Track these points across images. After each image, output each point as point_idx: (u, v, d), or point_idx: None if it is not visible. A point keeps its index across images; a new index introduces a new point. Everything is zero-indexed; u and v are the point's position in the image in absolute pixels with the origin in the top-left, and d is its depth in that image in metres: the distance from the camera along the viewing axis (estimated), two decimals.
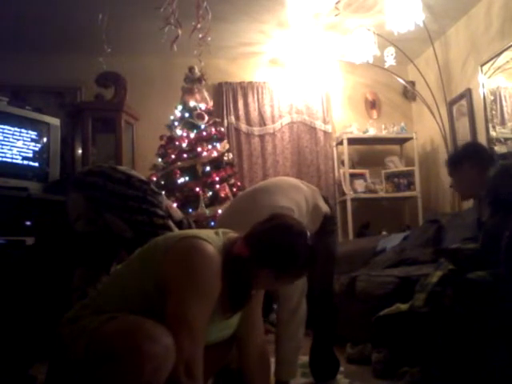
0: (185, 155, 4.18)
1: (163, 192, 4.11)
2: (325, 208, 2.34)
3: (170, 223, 2.14)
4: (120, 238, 2.02)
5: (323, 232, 2.26)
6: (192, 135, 4.26)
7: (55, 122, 4.08)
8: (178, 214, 2.27)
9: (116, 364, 1.28)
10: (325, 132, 5.22)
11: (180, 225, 2.20)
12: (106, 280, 1.60)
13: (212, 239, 1.50)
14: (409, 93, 5.36)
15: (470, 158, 2.38)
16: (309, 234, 1.60)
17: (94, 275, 2.07)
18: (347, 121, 5.25)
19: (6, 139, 3.75)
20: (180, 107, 4.40)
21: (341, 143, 5.04)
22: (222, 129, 4.60)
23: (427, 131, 5.10)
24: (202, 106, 4.39)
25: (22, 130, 3.85)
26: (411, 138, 5.06)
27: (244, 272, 1.50)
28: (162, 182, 4.18)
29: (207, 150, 4.21)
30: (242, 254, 1.50)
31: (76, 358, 1.39)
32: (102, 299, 1.51)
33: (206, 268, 1.42)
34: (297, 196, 2.17)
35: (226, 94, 5.09)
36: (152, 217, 2.06)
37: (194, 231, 1.57)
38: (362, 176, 5.06)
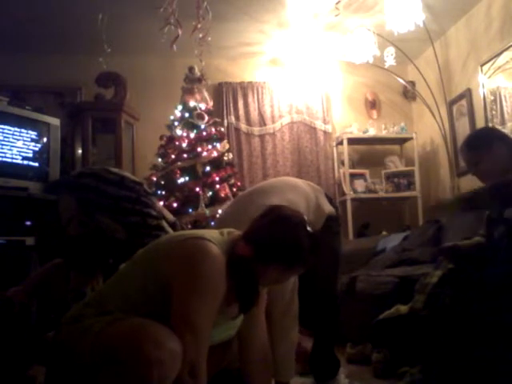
0: (185, 155, 4.18)
1: (163, 192, 4.14)
2: (328, 209, 2.32)
3: (164, 224, 2.14)
4: (113, 240, 2.01)
5: (327, 233, 2.25)
6: (192, 135, 4.26)
7: (55, 122, 4.08)
8: (170, 216, 2.27)
9: (121, 368, 1.28)
10: (325, 132, 5.22)
11: (173, 226, 2.20)
12: (110, 279, 1.60)
13: (216, 240, 1.49)
14: (409, 93, 5.35)
15: (499, 139, 2.21)
16: (307, 218, 1.59)
17: (89, 276, 2.06)
18: (347, 121, 5.25)
19: (5, 139, 3.75)
20: (180, 107, 4.40)
21: (341, 143, 5.04)
22: (222, 129, 4.60)
23: (427, 131, 5.10)
24: (202, 106, 4.39)
25: (22, 130, 3.85)
26: (411, 138, 5.06)
27: (249, 272, 1.49)
28: (162, 182, 4.18)
29: (207, 150, 4.20)
30: (244, 254, 1.49)
31: (78, 358, 1.39)
32: (106, 299, 1.51)
33: (210, 269, 1.41)
34: (294, 196, 2.16)
35: (226, 94, 5.09)
36: (146, 218, 2.06)
37: (199, 231, 1.56)
38: (362, 176, 5.06)
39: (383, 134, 5.10)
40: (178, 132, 4.30)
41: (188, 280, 1.40)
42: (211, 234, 1.53)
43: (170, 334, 1.32)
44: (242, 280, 1.49)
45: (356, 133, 5.05)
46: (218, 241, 1.50)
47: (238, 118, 5.08)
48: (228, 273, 1.46)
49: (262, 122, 5.13)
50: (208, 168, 4.16)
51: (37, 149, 3.93)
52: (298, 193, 2.22)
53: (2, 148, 3.72)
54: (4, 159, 3.73)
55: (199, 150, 4.17)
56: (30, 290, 2.14)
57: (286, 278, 1.62)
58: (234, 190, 4.18)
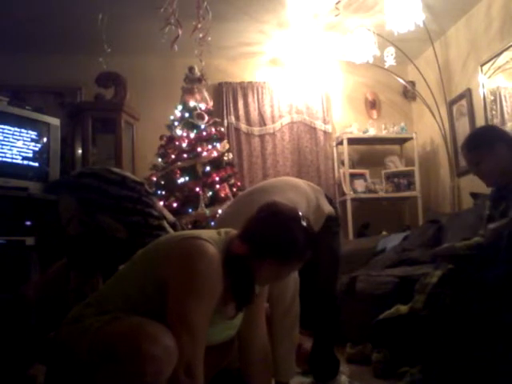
0: (185, 155, 4.18)
1: (163, 192, 4.14)
2: (328, 209, 2.32)
3: (165, 224, 2.15)
4: (114, 239, 2.01)
5: (327, 233, 2.25)
6: (192, 135, 4.26)
7: (55, 122, 4.08)
8: (170, 216, 2.28)
9: (118, 365, 1.29)
10: (325, 132, 5.22)
11: (174, 226, 2.20)
12: (110, 279, 1.61)
13: (213, 239, 1.50)
14: (409, 93, 5.35)
15: (500, 138, 2.20)
16: (301, 213, 1.59)
17: (89, 276, 2.06)
18: (347, 121, 5.25)
19: (5, 139, 3.75)
20: (180, 107, 4.40)
21: (341, 143, 5.04)
22: (222, 129, 4.60)
23: (427, 131, 5.10)
24: (202, 106, 4.39)
25: (22, 130, 3.85)
26: (411, 138, 5.06)
27: (245, 269, 1.50)
28: (162, 182, 4.18)
29: (207, 150, 4.20)
30: (240, 252, 1.50)
31: (79, 357, 1.40)
32: (105, 298, 1.51)
33: (206, 269, 1.42)
34: (295, 196, 2.16)
35: (226, 94, 5.09)
36: (147, 218, 2.07)
37: (196, 232, 1.57)
38: (362, 176, 5.06)
39: (383, 134, 5.10)
40: (178, 132, 4.30)
41: (185, 280, 1.41)
42: (209, 233, 1.54)
43: (167, 331, 1.33)
44: (237, 277, 1.50)
45: (356, 133, 5.05)
46: (215, 240, 1.50)
47: (237, 118, 5.08)
48: (224, 272, 1.47)
49: (262, 122, 5.13)
50: (208, 168, 4.16)
51: (37, 149, 3.93)
52: (299, 193, 2.22)
53: (2, 148, 3.72)
54: (4, 159, 3.73)
55: (199, 149, 4.17)
56: (42, 289, 2.15)
57: (284, 273, 1.61)
58: (234, 189, 4.18)
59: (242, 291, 1.52)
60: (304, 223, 1.55)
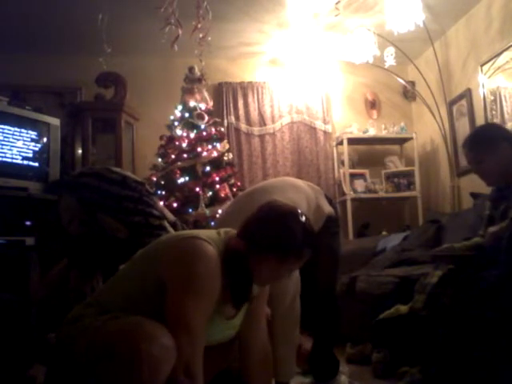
0: (185, 155, 4.18)
1: (163, 192, 4.14)
2: (328, 209, 2.32)
3: (166, 224, 2.15)
4: (114, 239, 2.01)
5: (326, 234, 2.25)
6: (192, 135, 4.26)
7: (55, 122, 4.08)
8: (170, 216, 2.28)
9: (115, 363, 1.29)
10: (325, 132, 5.22)
11: (174, 226, 2.20)
12: (110, 279, 1.61)
13: (212, 239, 1.50)
14: (409, 93, 5.35)
15: (502, 137, 2.19)
16: (300, 211, 1.59)
17: (89, 276, 2.06)
18: (347, 121, 5.25)
19: (6, 139, 3.75)
20: (180, 107, 4.40)
21: (341, 143, 5.04)
22: (222, 129, 4.60)
23: (427, 131, 5.10)
24: (202, 106, 4.39)
25: (22, 130, 3.85)
26: (411, 138, 5.06)
27: (243, 266, 1.50)
28: (162, 182, 4.18)
29: (207, 150, 4.21)
30: (238, 248, 1.50)
31: (77, 356, 1.40)
32: (106, 298, 1.52)
33: (204, 268, 1.42)
34: (295, 196, 2.16)
35: (226, 94, 5.09)
36: (148, 217, 2.07)
37: (195, 231, 1.57)
38: (362, 176, 5.06)
39: (383, 134, 5.10)
40: (178, 132, 4.30)
41: (182, 279, 1.41)
42: (208, 233, 1.54)
43: (166, 331, 1.33)
44: (235, 274, 1.50)
45: (356, 133, 5.05)
46: (215, 240, 1.50)
47: (238, 118, 5.08)
48: (223, 271, 1.47)
49: (262, 122, 5.13)
50: (208, 168, 4.16)
51: (37, 149, 3.93)
52: (299, 193, 2.22)
53: (2, 148, 3.72)
54: (4, 159, 3.73)
55: (199, 149, 4.17)
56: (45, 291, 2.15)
57: (284, 272, 1.60)
58: (234, 190, 4.18)
59: (239, 288, 1.52)
60: (302, 219, 1.55)
